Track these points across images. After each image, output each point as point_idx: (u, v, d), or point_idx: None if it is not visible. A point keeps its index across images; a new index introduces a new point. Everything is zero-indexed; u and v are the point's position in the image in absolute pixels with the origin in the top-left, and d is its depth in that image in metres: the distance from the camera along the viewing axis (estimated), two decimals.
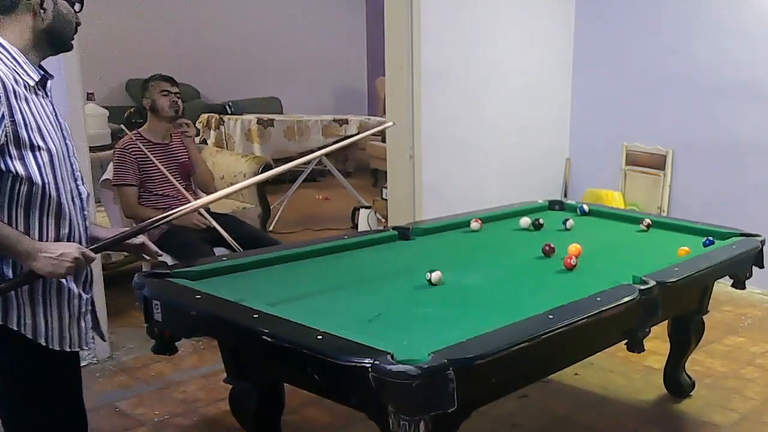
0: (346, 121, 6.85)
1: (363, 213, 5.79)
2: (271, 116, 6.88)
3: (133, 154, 3.84)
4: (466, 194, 4.80)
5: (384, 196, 5.65)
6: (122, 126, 4.14)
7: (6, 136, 1.78)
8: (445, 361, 1.67)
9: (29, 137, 1.83)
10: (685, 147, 5.00)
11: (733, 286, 3.05)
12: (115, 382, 3.42)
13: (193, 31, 8.62)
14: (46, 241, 1.88)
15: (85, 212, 2.03)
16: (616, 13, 5.27)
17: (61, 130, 1.96)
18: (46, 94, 1.96)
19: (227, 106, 8.39)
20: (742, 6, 4.65)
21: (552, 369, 2.40)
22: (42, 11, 1.87)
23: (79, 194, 1.99)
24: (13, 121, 1.79)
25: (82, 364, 3.52)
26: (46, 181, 1.86)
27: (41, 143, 1.85)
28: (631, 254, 2.95)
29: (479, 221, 3.26)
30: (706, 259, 2.77)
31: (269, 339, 1.90)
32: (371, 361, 1.68)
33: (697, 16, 4.85)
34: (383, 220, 5.52)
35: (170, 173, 3.87)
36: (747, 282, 3.04)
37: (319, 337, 1.86)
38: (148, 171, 3.87)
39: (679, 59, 4.94)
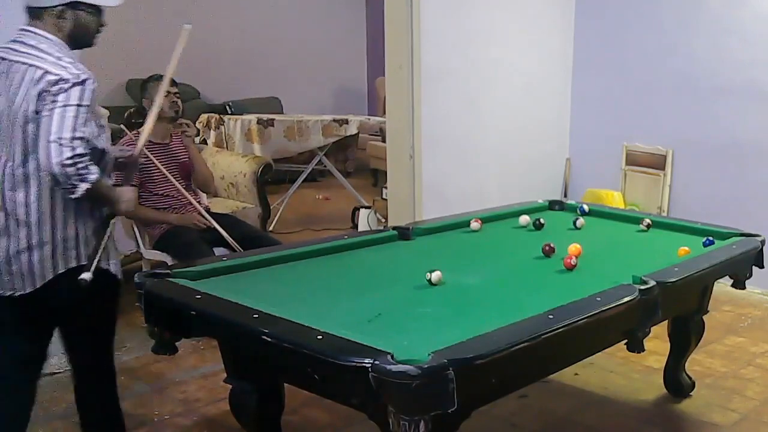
0: (346, 121, 6.84)
1: (363, 213, 5.79)
2: (271, 116, 6.87)
3: None
4: (466, 194, 4.81)
5: (384, 196, 5.64)
6: (122, 126, 4.14)
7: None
8: (445, 361, 1.67)
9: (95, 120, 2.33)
10: (685, 147, 5.00)
11: (733, 286, 3.05)
12: None
13: (193, 31, 8.58)
14: None
15: None
16: (616, 13, 5.27)
17: None
18: None
19: (227, 106, 8.39)
20: (742, 6, 4.65)
21: (552, 369, 2.40)
22: (63, 20, 2.32)
23: None
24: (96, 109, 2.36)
25: None
26: (108, 150, 2.41)
27: (102, 120, 2.48)
28: (631, 254, 2.95)
29: (479, 221, 3.26)
30: (706, 259, 2.77)
31: (269, 339, 1.91)
32: (371, 361, 1.68)
33: (697, 16, 4.85)
34: (383, 220, 5.52)
35: (170, 173, 3.87)
36: (747, 282, 3.04)
37: (319, 337, 1.86)
38: (148, 171, 3.86)
39: (679, 59, 4.94)
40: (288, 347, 1.88)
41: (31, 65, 2.24)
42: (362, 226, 5.65)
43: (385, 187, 5.45)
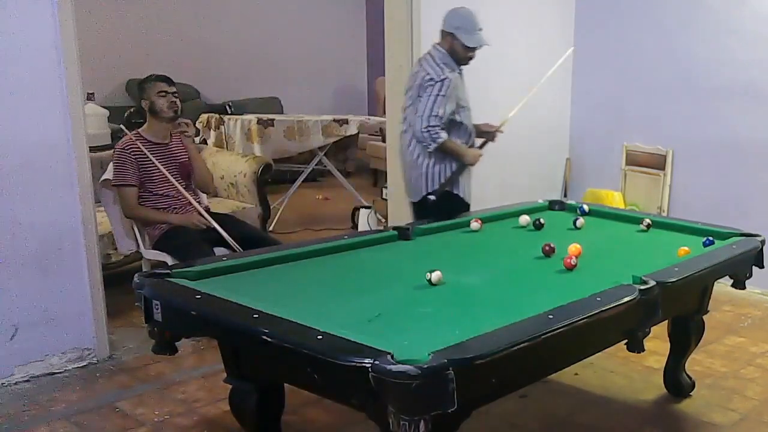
0: (346, 121, 6.83)
1: (363, 213, 5.78)
2: (271, 116, 6.86)
3: (133, 155, 3.84)
4: None
5: (384, 196, 5.64)
6: (122, 126, 4.13)
7: (456, 104, 3.68)
8: (445, 361, 1.67)
9: (458, 102, 3.71)
10: (685, 147, 5.00)
11: (733, 286, 3.05)
12: (115, 382, 3.42)
13: (193, 31, 8.62)
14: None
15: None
16: (616, 13, 5.27)
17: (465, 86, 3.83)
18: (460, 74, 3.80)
19: (227, 106, 8.39)
20: (742, 6, 4.66)
21: (552, 369, 2.40)
22: (445, 40, 3.74)
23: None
24: (457, 96, 3.69)
25: (83, 364, 3.56)
26: (465, 122, 3.78)
27: (463, 103, 3.76)
28: (631, 254, 2.95)
29: (479, 221, 3.27)
30: (706, 259, 2.77)
31: (269, 339, 1.91)
32: (371, 361, 1.68)
33: (697, 16, 4.85)
34: (383, 220, 5.52)
35: (170, 173, 3.87)
36: (747, 282, 3.04)
37: (319, 337, 1.86)
38: (147, 171, 3.86)
39: (679, 59, 4.95)
40: (288, 347, 1.88)
41: (423, 67, 3.70)
42: (362, 226, 5.65)
43: (385, 187, 5.45)
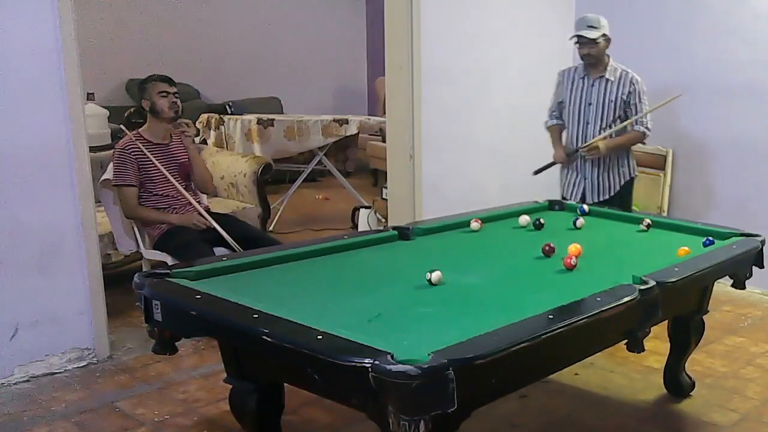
0: (346, 121, 6.83)
1: (363, 213, 5.79)
2: (271, 116, 6.86)
3: (133, 155, 3.84)
4: (466, 194, 4.80)
5: (384, 196, 5.65)
6: (122, 126, 4.14)
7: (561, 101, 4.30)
8: (445, 361, 1.67)
9: (560, 99, 4.31)
10: (685, 147, 5.00)
11: (733, 286, 3.04)
12: (115, 382, 3.42)
13: (193, 31, 8.62)
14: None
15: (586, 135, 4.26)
16: (615, 14, 5.25)
17: (591, 93, 4.19)
18: (592, 82, 4.20)
19: (227, 106, 8.38)
20: (742, 6, 4.65)
21: (552, 369, 2.40)
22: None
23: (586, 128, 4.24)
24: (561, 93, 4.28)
25: (83, 364, 3.56)
26: (564, 121, 4.30)
27: (566, 104, 4.25)
28: (631, 254, 2.95)
29: (479, 221, 3.26)
30: (706, 259, 2.77)
31: (269, 339, 1.91)
32: (371, 361, 1.68)
33: (697, 16, 4.85)
34: (383, 220, 5.52)
35: (170, 173, 3.87)
36: (747, 282, 3.04)
37: (319, 337, 1.86)
38: (148, 171, 3.86)
39: (679, 59, 4.94)
40: (288, 347, 1.88)
41: None
42: (362, 226, 5.65)
43: (385, 187, 5.45)
